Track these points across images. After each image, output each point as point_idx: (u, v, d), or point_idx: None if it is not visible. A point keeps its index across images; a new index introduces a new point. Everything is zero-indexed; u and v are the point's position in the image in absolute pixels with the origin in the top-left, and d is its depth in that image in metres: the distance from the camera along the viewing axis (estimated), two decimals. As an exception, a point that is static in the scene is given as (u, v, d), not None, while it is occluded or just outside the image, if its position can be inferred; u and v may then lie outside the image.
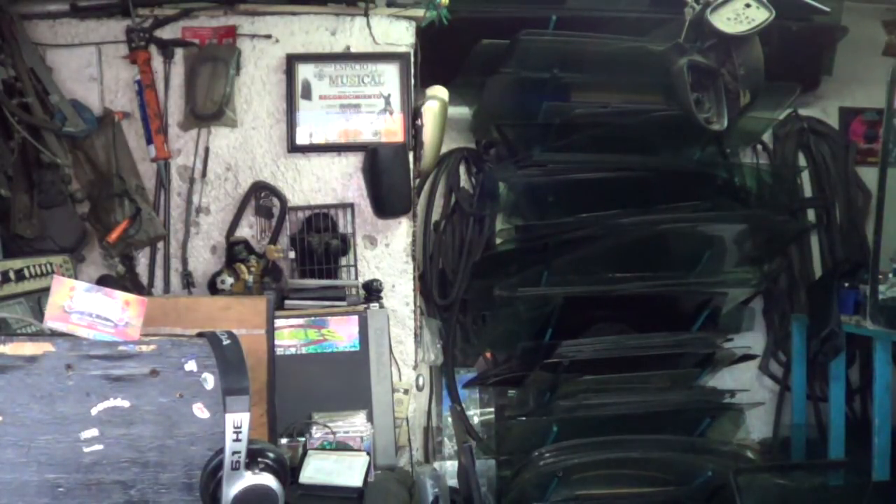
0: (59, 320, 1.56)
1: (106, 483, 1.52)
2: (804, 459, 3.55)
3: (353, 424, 2.26)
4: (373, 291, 2.69)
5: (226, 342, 1.51)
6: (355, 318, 2.53)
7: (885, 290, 3.04)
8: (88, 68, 2.79)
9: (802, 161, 3.73)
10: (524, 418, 3.20)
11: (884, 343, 3.01)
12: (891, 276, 3.06)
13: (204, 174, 2.83)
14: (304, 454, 2.14)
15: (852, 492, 3.08)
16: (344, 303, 2.64)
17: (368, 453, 2.17)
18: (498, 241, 3.43)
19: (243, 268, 2.69)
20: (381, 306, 2.66)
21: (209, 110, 2.77)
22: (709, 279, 3.33)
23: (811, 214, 3.76)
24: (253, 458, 1.46)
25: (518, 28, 3.04)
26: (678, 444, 3.18)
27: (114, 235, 2.66)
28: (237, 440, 1.39)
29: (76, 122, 2.61)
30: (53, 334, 1.56)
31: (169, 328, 1.92)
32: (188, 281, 2.82)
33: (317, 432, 2.21)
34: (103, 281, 2.63)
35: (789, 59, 3.32)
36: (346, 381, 2.46)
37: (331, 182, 2.88)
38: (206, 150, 2.83)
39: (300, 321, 2.49)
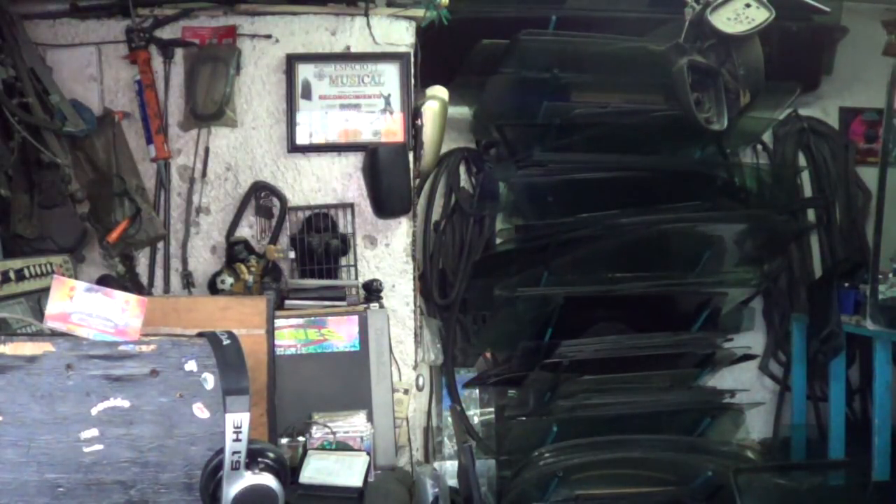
0: (59, 320, 1.56)
1: (106, 483, 1.52)
2: (804, 459, 3.56)
3: (353, 424, 2.26)
4: (373, 291, 2.69)
5: (226, 342, 1.52)
6: (355, 318, 2.52)
7: (885, 290, 3.04)
8: (88, 68, 2.79)
9: (802, 161, 3.73)
10: (524, 418, 3.21)
11: (884, 343, 3.01)
12: (891, 276, 3.06)
13: (204, 174, 2.83)
14: (304, 454, 2.14)
15: (852, 492, 3.08)
16: (344, 303, 2.64)
17: (368, 453, 2.17)
18: (498, 241, 3.43)
19: (243, 268, 2.69)
20: (381, 306, 2.66)
21: (209, 110, 2.77)
22: (709, 279, 3.34)
23: (811, 214, 3.76)
24: (253, 458, 1.46)
25: (518, 28, 3.04)
26: (678, 444, 3.18)
27: (114, 235, 2.66)
28: (237, 440, 1.39)
29: (76, 122, 2.61)
30: (53, 334, 1.56)
31: (169, 328, 1.91)
32: (188, 281, 2.82)
33: (317, 432, 2.21)
34: (103, 281, 2.63)
35: (789, 59, 3.32)
36: (346, 381, 2.45)
37: (331, 182, 2.88)
38: (206, 150, 2.82)
39: (300, 321, 2.49)
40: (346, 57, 2.85)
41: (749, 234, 3.38)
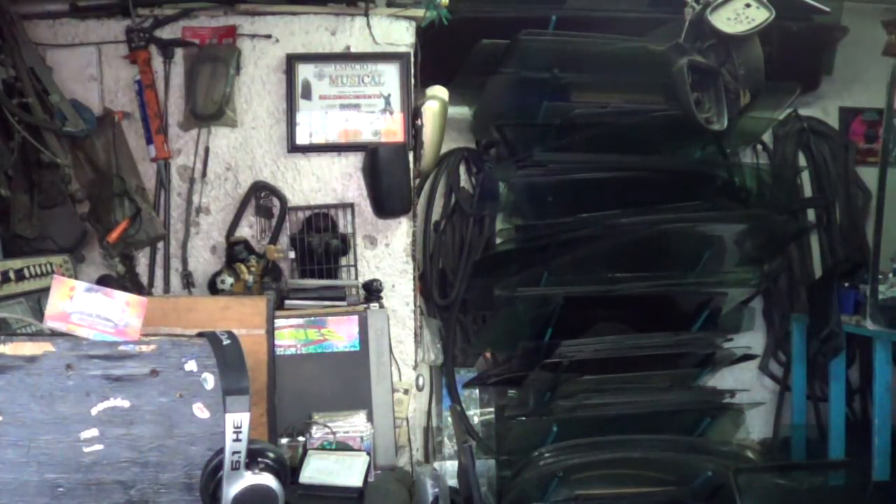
0: (59, 320, 1.56)
1: (106, 483, 1.52)
2: (804, 459, 3.55)
3: (353, 424, 2.26)
4: (373, 291, 2.69)
5: (226, 342, 1.52)
6: (355, 318, 2.52)
7: (885, 290, 3.04)
8: (88, 68, 2.79)
9: (802, 161, 3.73)
10: (524, 418, 3.20)
11: (884, 343, 3.01)
12: (891, 276, 3.06)
13: (204, 174, 2.83)
14: (304, 454, 2.14)
15: (852, 492, 3.08)
16: (344, 303, 2.64)
17: (368, 453, 2.17)
18: (498, 241, 3.43)
19: (243, 268, 2.69)
20: (381, 306, 2.66)
21: (209, 110, 2.77)
22: (709, 279, 3.33)
23: (811, 214, 3.76)
24: (253, 458, 1.46)
25: (518, 28, 3.04)
26: (678, 444, 3.18)
27: (114, 235, 2.66)
28: (237, 440, 1.39)
29: (76, 122, 2.61)
30: (53, 334, 1.56)
31: (169, 328, 1.92)
32: (188, 281, 2.82)
33: (317, 432, 2.21)
34: (103, 281, 2.63)
35: (789, 59, 3.32)
36: (346, 381, 2.46)
37: (331, 182, 2.88)
38: (206, 150, 2.83)
39: (300, 321, 2.49)
40: (346, 57, 2.86)
41: (749, 234, 3.38)
